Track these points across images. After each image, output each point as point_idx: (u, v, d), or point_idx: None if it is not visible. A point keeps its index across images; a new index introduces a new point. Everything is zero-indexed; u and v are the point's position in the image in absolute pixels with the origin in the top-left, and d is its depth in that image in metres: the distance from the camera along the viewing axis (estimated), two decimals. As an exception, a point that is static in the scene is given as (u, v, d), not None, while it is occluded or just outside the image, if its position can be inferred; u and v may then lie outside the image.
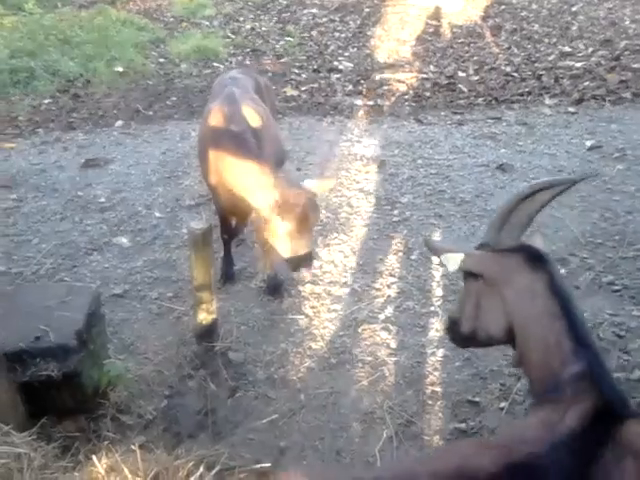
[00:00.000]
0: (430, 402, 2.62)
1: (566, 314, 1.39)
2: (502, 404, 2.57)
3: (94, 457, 1.94)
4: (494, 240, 1.54)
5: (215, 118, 2.94)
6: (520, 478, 1.15)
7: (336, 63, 6.71)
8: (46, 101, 5.75)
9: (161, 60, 6.79)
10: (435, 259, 1.56)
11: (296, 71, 6.53)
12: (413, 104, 5.73)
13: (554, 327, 1.37)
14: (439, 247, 1.64)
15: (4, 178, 4.41)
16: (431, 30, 7.59)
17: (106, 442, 2.26)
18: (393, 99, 5.82)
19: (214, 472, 1.95)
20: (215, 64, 6.66)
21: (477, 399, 2.61)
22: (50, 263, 3.50)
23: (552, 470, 1.15)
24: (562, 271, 3.37)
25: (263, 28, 7.76)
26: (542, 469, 1.15)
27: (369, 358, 2.85)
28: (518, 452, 1.17)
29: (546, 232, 3.72)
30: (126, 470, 1.87)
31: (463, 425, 2.50)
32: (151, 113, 5.61)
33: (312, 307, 3.19)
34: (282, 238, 2.67)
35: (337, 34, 7.59)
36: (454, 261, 1.55)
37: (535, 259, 1.45)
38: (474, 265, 1.53)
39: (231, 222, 3.35)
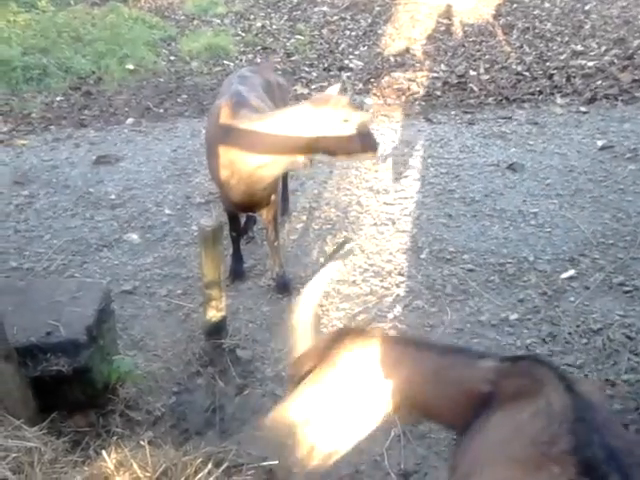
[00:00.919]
0: (438, 402, 2.62)
1: (429, 343, 1.40)
2: (510, 405, 2.56)
3: (104, 452, 1.96)
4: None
5: (220, 115, 2.94)
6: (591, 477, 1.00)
7: (347, 61, 6.70)
8: (58, 98, 5.78)
9: (172, 58, 6.81)
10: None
11: (306, 69, 6.53)
12: (423, 103, 5.71)
13: (435, 359, 1.33)
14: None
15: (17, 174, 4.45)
16: (442, 29, 7.55)
17: (115, 437, 2.28)
18: (403, 98, 5.80)
19: (222, 469, 1.97)
20: (226, 62, 6.67)
21: (485, 399, 2.60)
22: (61, 259, 3.52)
23: (595, 451, 1.01)
24: (572, 272, 3.36)
25: (274, 26, 7.76)
26: (590, 454, 1.02)
27: (377, 357, 2.85)
28: (559, 459, 1.01)
29: (557, 232, 3.70)
30: (135, 465, 1.89)
31: (471, 425, 2.49)
32: (162, 111, 5.63)
33: (320, 305, 3.19)
34: (350, 127, 2.59)
35: (348, 32, 7.57)
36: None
37: (361, 333, 1.43)
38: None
39: (239, 219, 3.36)
